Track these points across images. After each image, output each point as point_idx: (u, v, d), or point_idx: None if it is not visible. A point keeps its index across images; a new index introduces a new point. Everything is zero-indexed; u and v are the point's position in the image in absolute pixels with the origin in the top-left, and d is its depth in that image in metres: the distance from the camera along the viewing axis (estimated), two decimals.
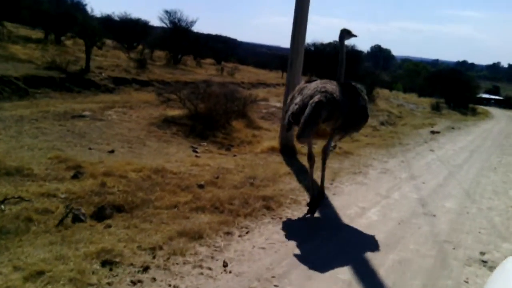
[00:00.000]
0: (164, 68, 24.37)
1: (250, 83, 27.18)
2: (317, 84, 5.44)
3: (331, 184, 7.23)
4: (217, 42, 43.82)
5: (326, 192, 6.59)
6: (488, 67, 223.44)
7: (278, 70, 41.29)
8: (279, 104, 17.61)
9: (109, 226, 4.39)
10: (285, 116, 5.71)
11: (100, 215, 4.60)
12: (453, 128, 19.24)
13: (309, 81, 5.91)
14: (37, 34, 25.43)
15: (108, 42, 32.06)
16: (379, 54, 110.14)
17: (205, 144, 9.63)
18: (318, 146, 10.90)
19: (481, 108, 44.00)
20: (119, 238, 4.13)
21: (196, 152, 8.75)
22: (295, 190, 6.58)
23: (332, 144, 6.50)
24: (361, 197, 6.67)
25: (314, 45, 26.91)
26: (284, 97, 9.85)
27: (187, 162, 7.36)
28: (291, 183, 6.96)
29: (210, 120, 10.61)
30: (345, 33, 6.01)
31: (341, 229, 5.34)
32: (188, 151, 8.72)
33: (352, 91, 5.52)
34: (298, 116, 5.15)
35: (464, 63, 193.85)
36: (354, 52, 26.56)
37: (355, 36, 6.17)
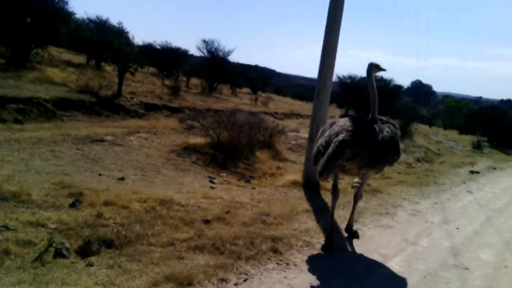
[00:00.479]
0: (198, 96, 24.39)
1: (284, 113, 26.84)
2: (345, 121, 5.34)
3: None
4: (254, 72, 43.95)
5: (344, 233, 5.97)
6: None
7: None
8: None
9: (91, 264, 3.93)
10: (313, 150, 5.66)
11: (85, 250, 4.15)
12: (494, 168, 17.98)
13: (342, 116, 5.83)
14: (80, 59, 26.14)
15: (151, 69, 32.86)
16: (420, 89, 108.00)
17: (225, 174, 9.17)
18: (344, 181, 10.27)
19: None
20: (97, 281, 3.66)
21: (213, 182, 8.29)
22: (311, 230, 5.96)
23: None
24: (385, 243, 5.97)
25: (350, 77, 26.38)
26: (310, 129, 9.34)
27: (199, 194, 6.89)
28: (308, 222, 6.35)
29: (232, 149, 10.18)
30: (373, 67, 5.80)
31: (357, 281, 4.68)
32: (204, 181, 8.27)
33: (381, 126, 5.40)
34: (323, 152, 5.10)
35: (509, 101, 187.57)
36: (391, 87, 25.88)
37: (384, 70, 5.91)
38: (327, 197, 8.33)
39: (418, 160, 17.88)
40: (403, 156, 17.52)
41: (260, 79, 43.69)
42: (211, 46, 29.57)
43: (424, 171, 14.08)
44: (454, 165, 17.14)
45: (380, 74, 8.60)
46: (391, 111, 23.10)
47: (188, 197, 6.54)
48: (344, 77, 27.35)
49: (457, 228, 7.32)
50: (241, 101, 28.41)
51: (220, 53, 29.42)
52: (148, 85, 23.05)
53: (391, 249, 5.74)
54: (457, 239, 6.68)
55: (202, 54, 30.02)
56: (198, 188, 7.55)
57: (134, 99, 16.04)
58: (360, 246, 5.68)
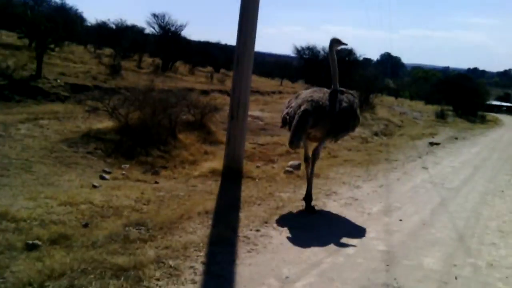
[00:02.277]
0: (148, 75, 22.31)
1: None
2: (307, 93, 5.88)
3: (257, 231, 4.86)
4: (219, 50, 41.65)
5: (242, 245, 4.32)
6: (500, 74, 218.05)
7: (279, 78, 38.93)
8: (260, 114, 15.36)
9: None
10: (281, 116, 5.97)
11: None
12: (456, 138, 16.62)
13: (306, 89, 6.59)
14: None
15: (107, 51, 30.50)
16: (388, 61, 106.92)
17: (127, 166, 7.42)
18: (278, 165, 8.65)
19: (491, 115, 41.09)
20: None
21: (104, 179, 6.51)
22: (191, 246, 4.20)
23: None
24: (293, 256, 4.30)
25: (309, 48, 24.51)
26: (230, 105, 7.61)
27: (63, 198, 5.10)
28: (196, 231, 4.63)
29: (144, 133, 8.39)
30: (335, 42, 6.19)
31: None
32: (91, 178, 6.49)
33: (339, 96, 5.78)
34: (290, 121, 5.58)
35: (475, 70, 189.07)
36: (352, 59, 24.25)
37: (345, 44, 6.40)
38: (248, 188, 6.68)
39: (376, 133, 16.41)
40: (359, 130, 16.00)
41: (224, 57, 41.49)
42: (162, 21, 27.14)
43: (378, 146, 12.60)
44: (414, 137, 15.72)
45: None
46: (350, 82, 21.52)
47: (38, 206, 4.75)
48: (302, 48, 25.50)
49: (400, 220, 5.77)
50: (197, 79, 26.45)
51: (172, 28, 27.06)
52: (90, 65, 20.88)
53: (298, 265, 4.09)
54: (396, 237, 5.11)
55: (154, 30, 27.60)
56: (75, 188, 5.77)
57: (59, 81, 13.96)
58: (254, 266, 4.00)
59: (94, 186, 5.93)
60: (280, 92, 28.76)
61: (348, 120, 5.77)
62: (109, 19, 30.05)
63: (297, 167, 8.10)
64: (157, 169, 7.36)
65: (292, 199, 6.25)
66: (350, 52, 23.85)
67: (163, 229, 4.51)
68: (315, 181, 7.46)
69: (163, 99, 9.03)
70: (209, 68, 37.96)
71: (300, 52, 25.73)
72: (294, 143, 5.29)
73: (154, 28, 27.40)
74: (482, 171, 10.15)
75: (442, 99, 38.41)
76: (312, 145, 6.06)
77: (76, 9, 35.19)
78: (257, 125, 13.03)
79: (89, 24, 35.23)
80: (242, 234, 4.70)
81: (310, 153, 6.00)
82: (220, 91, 22.74)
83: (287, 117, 5.68)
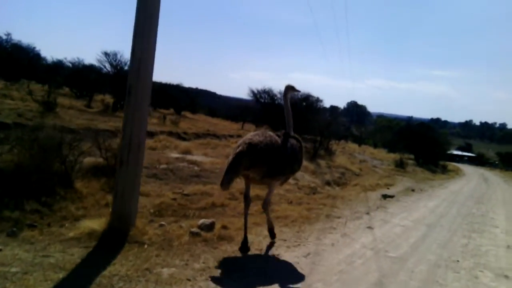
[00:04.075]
0: (92, 114, 20.57)
1: (195, 133, 23.37)
2: (250, 135, 5.84)
3: None
4: (180, 92, 40.34)
5: None
6: (461, 124, 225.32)
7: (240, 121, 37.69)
8: (200, 158, 13.70)
9: None
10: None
11: None
12: (413, 190, 15.27)
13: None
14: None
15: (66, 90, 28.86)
16: (355, 110, 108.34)
17: None
18: (185, 225, 6.95)
19: (452, 165, 40.70)
20: None
21: None
22: None
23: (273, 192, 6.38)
24: None
25: (265, 91, 23.24)
26: (120, 146, 5.95)
27: None
28: None
29: (19, 180, 6.55)
30: (289, 89, 6.55)
31: None
32: None
33: (285, 141, 5.91)
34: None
35: (437, 120, 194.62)
36: (307, 104, 23.11)
37: (298, 91, 6.91)
38: (124, 258, 4.92)
39: (328, 183, 14.93)
40: (309, 179, 14.51)
41: (186, 99, 40.19)
42: (113, 59, 25.65)
43: (325, 198, 11.02)
44: (367, 188, 14.28)
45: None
46: (307, 128, 20.28)
47: None
48: (258, 91, 24.28)
49: None
50: (149, 120, 24.76)
51: (125, 67, 25.50)
52: (27, 102, 19.00)
53: None
54: None
55: (105, 69, 26.03)
56: None
57: None
58: None
59: None
60: (238, 136, 27.27)
61: (288, 165, 5.86)
62: (65, 58, 28.45)
63: (209, 227, 6.40)
64: (14, 229, 5.50)
65: (174, 278, 4.51)
66: (306, 97, 22.66)
67: None
68: (222, 246, 5.79)
69: (55, 139, 7.27)
70: (171, 110, 36.51)
71: (256, 95, 24.47)
72: (224, 184, 5.24)
73: (105, 66, 25.81)
74: (437, 232, 8.66)
75: (403, 148, 37.79)
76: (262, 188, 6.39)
77: (34, 47, 33.44)
78: (190, 171, 11.32)
79: (44, 63, 33.50)
80: None
81: (249, 194, 6.00)
82: (171, 133, 21.14)
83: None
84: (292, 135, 6.25)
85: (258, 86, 28.03)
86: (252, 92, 24.35)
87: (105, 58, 25.54)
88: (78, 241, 5.42)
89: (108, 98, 27.51)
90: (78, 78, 27.60)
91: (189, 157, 13.53)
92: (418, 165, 29.91)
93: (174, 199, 8.52)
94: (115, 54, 25.45)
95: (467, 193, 18.23)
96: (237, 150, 5.41)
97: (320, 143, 19.37)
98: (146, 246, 5.39)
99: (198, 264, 4.95)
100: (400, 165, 24.24)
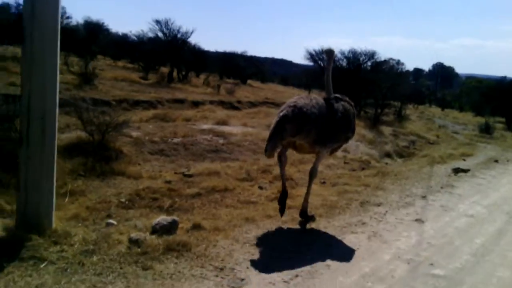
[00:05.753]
0: (146, 86, 19.49)
1: (250, 102, 21.49)
2: (294, 99, 5.13)
3: None
4: (245, 60, 38.54)
5: None
6: None
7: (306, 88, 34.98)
8: (232, 129, 11.80)
9: None
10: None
11: None
12: (496, 161, 12.00)
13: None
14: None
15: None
16: (440, 72, 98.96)
17: None
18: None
19: None
20: None
21: None
22: None
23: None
24: None
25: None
26: (20, 122, 4.16)
27: None
28: None
29: None
30: (330, 52, 5.90)
31: None
32: None
33: (333, 105, 5.24)
34: None
35: None
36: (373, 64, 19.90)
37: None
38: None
39: (388, 154, 12.32)
40: (366, 150, 12.01)
41: (251, 68, 38.32)
42: (166, 27, 24.13)
43: (372, 176, 8.59)
44: (437, 159, 11.41)
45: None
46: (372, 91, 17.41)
47: None
48: (316, 52, 21.30)
49: None
50: (204, 90, 23.19)
51: (179, 35, 23.97)
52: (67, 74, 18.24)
53: None
54: None
55: (157, 37, 24.63)
56: None
57: None
58: None
59: None
60: None
61: (339, 131, 5.31)
62: (130, 31, 27.84)
63: (167, 228, 4.46)
64: None
65: None
66: (372, 55, 19.45)
67: None
68: (158, 266, 3.86)
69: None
70: (237, 80, 34.85)
71: (313, 57, 21.69)
72: (267, 150, 4.67)
73: (157, 35, 24.48)
74: None
75: (492, 110, 32.68)
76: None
77: (102, 22, 33.26)
78: (209, 145, 9.43)
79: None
80: None
81: (285, 153, 5.24)
82: (222, 102, 19.44)
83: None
84: (344, 98, 5.56)
85: (316, 46, 25.06)
86: (309, 54, 21.60)
87: (156, 27, 24.17)
88: None
89: (165, 70, 26.42)
90: (136, 50, 26.76)
91: (221, 128, 11.67)
92: (510, 130, 25.42)
93: (168, 182, 6.73)
94: (166, 22, 23.96)
95: None
96: (281, 114, 4.79)
97: (382, 107, 16.47)
98: (43, 265, 3.61)
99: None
100: (486, 130, 20.32)
